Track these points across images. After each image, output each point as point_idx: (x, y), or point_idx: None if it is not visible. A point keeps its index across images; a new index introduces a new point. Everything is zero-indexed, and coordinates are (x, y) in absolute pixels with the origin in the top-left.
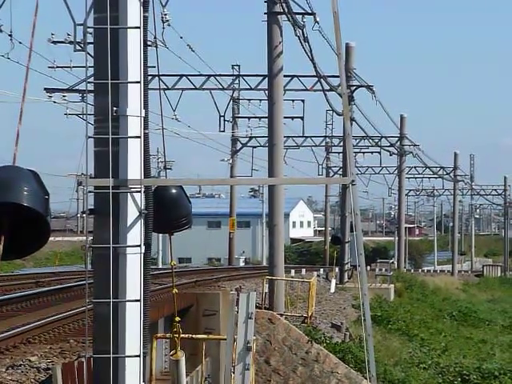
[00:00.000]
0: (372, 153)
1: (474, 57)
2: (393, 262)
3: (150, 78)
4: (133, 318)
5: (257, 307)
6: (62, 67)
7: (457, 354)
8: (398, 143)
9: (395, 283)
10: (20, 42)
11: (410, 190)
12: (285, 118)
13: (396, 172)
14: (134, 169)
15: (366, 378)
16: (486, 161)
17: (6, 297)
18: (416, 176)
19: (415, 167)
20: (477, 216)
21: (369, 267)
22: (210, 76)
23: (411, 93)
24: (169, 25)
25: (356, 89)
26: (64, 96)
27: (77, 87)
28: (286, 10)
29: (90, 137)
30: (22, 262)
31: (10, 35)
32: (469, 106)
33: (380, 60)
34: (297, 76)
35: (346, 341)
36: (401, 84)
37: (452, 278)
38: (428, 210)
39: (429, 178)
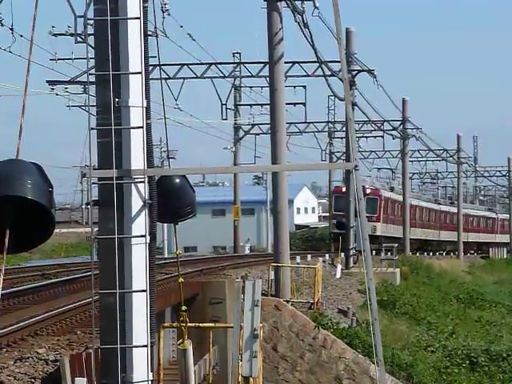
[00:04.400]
0: (375, 137)
1: (477, 39)
2: (398, 246)
3: (151, 68)
4: (139, 308)
5: (263, 294)
6: (63, 59)
7: (464, 336)
8: (401, 127)
9: (401, 267)
10: (21, 36)
11: (414, 174)
12: (287, 104)
13: (399, 156)
14: (137, 159)
15: (373, 363)
16: (490, 142)
17: (13, 290)
18: (419, 159)
19: (418, 150)
20: (481, 198)
21: (374, 252)
22: (211, 64)
23: (413, 76)
24: (169, 14)
25: (357, 73)
26: (66, 88)
27: (79, 79)
28: None
29: (92, 128)
30: (29, 254)
31: (12, 29)
32: (471, 88)
33: (381, 44)
34: (298, 62)
35: (352, 326)
36: (402, 67)
37: (458, 261)
38: (432, 193)
39: (432, 160)
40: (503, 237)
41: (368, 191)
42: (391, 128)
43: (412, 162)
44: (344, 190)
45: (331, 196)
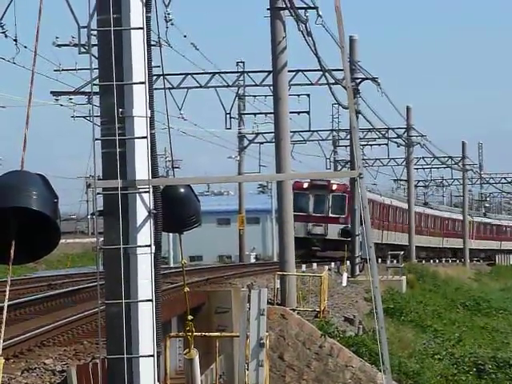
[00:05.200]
0: (379, 145)
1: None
2: (404, 254)
3: (154, 77)
4: (145, 317)
5: (269, 303)
6: (67, 70)
7: (471, 343)
8: (405, 134)
9: (407, 275)
10: (25, 47)
11: (419, 181)
12: (291, 113)
13: (404, 163)
14: (141, 169)
15: (380, 371)
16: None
17: (19, 300)
18: (424, 167)
19: (423, 158)
20: (487, 205)
21: (380, 259)
22: (214, 74)
23: (417, 83)
24: (172, 24)
25: (361, 81)
26: (70, 99)
27: (83, 89)
28: (289, 5)
29: (97, 139)
30: (34, 265)
31: (15, 40)
32: (476, 94)
33: (385, 52)
34: (301, 70)
35: (359, 334)
36: (406, 75)
37: (464, 268)
38: (437, 201)
39: (437, 168)
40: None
41: (334, 187)
42: (396, 136)
43: (417, 169)
44: (306, 185)
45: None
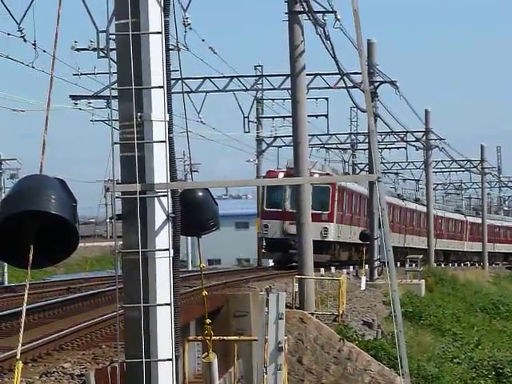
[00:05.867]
0: (398, 148)
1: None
2: (422, 258)
3: (173, 81)
4: (164, 321)
5: (287, 307)
6: (86, 74)
7: (490, 347)
8: (424, 138)
9: (426, 278)
10: (44, 51)
11: (438, 184)
12: (309, 116)
13: (423, 167)
14: (160, 173)
15: (399, 375)
16: None
17: (38, 304)
18: (443, 170)
19: (442, 161)
20: (506, 208)
21: (399, 263)
22: (233, 77)
23: (435, 86)
24: (190, 28)
25: (379, 85)
26: (89, 103)
27: (102, 93)
28: (307, 8)
29: (115, 143)
30: (53, 268)
31: (34, 44)
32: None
33: (403, 54)
34: (320, 74)
35: (378, 338)
36: (424, 78)
37: (483, 271)
38: (456, 204)
39: (456, 171)
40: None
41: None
42: (414, 139)
43: (436, 172)
44: (281, 175)
45: (262, 188)
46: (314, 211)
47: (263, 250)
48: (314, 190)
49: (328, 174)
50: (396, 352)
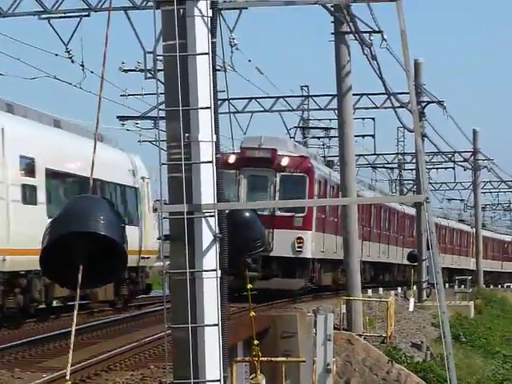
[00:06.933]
0: (446, 168)
1: None
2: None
3: (219, 102)
4: (211, 342)
5: (335, 328)
6: (133, 95)
7: None
8: (472, 158)
9: (474, 300)
10: (92, 72)
11: (486, 205)
12: (355, 136)
13: (471, 187)
14: (207, 193)
15: None
16: None
17: (86, 325)
18: (491, 190)
19: (490, 182)
20: None
21: (447, 284)
22: (278, 98)
23: (483, 106)
24: (237, 49)
25: (426, 105)
26: (137, 123)
27: (149, 114)
28: (353, 29)
29: (163, 163)
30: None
31: (82, 65)
32: None
33: (450, 74)
34: (366, 94)
35: (426, 360)
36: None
37: None
38: (505, 225)
39: (505, 192)
40: None
41: (285, 162)
42: (462, 159)
43: (484, 193)
44: (233, 159)
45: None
46: (282, 213)
47: None
48: (284, 180)
49: (302, 156)
50: (445, 374)
